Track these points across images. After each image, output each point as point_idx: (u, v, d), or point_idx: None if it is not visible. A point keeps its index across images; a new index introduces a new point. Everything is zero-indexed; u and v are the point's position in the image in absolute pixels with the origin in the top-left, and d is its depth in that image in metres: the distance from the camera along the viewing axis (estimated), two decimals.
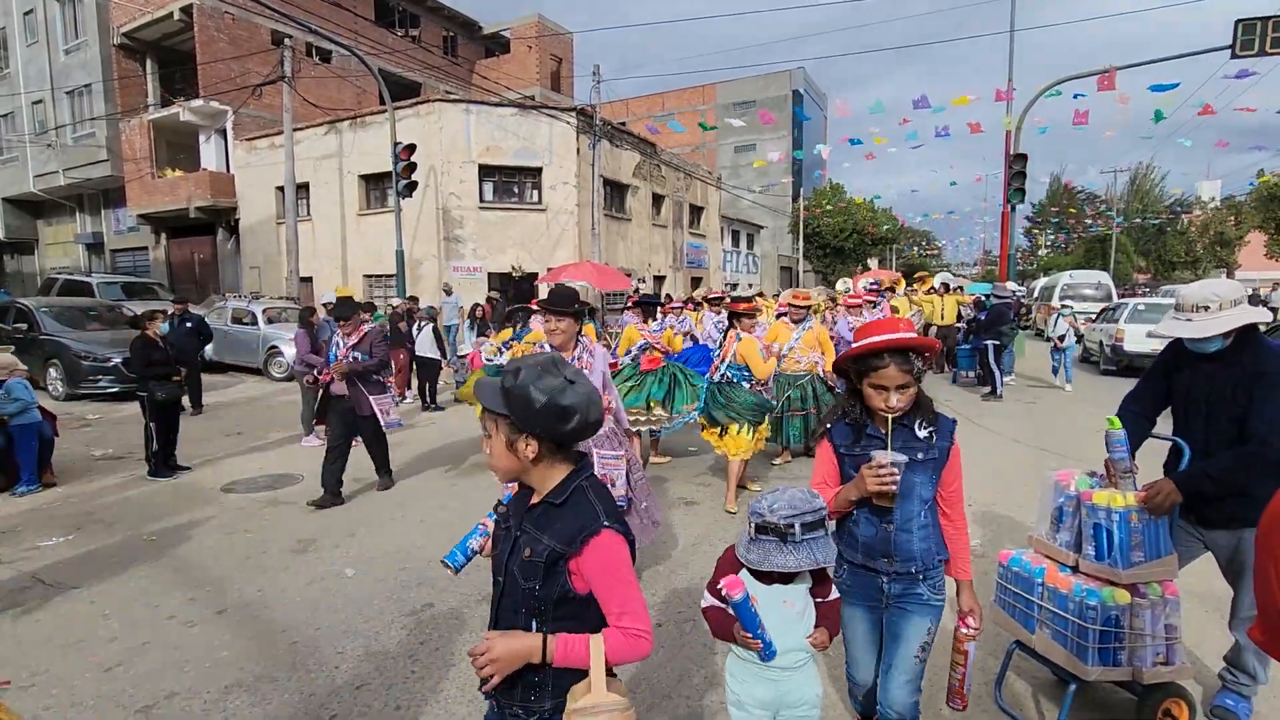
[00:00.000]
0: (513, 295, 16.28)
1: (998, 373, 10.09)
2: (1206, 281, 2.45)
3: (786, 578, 1.68)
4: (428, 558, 4.18)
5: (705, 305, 10.12)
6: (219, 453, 7.05)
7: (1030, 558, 2.57)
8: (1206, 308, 2.33)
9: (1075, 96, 15.23)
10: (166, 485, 5.93)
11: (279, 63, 15.38)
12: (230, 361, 13.02)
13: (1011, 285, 14.42)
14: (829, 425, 1.99)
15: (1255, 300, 16.09)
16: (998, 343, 10.11)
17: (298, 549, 4.42)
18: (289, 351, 11.41)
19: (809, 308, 6.47)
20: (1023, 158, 15.78)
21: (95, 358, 9.91)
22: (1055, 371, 11.44)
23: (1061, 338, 11.03)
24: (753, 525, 1.66)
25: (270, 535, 4.67)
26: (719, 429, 5.11)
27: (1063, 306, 11.31)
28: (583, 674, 1.28)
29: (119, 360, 9.47)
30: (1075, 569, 2.42)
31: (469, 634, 3.25)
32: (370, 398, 5.44)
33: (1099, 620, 2.26)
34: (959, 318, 12.64)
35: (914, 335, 1.85)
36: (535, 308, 6.67)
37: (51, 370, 10.22)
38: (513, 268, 17.34)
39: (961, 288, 14.53)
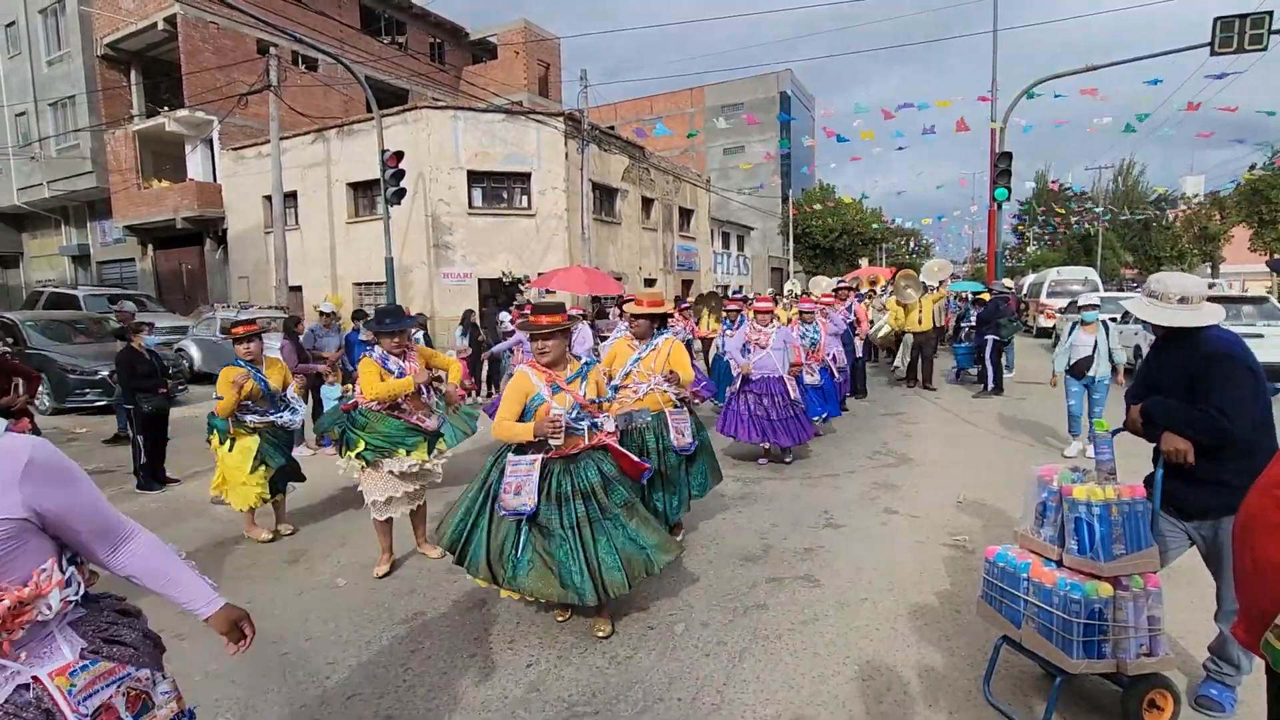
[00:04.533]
0: (503, 301, 16.27)
1: (991, 369, 10.10)
2: (1181, 276, 2.55)
3: None
4: (419, 567, 4.17)
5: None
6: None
7: (1016, 553, 2.60)
8: (1187, 300, 2.50)
9: (1055, 97, 15.42)
10: (155, 498, 5.90)
11: (265, 71, 15.33)
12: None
13: (1007, 282, 14.51)
14: None
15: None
16: (997, 338, 10.13)
17: (288, 559, 4.40)
18: None
19: (657, 318, 4.40)
20: (1007, 156, 15.94)
21: (82, 371, 9.83)
22: (1075, 422, 6.59)
23: (1082, 364, 6.36)
24: None
25: (260, 547, 4.65)
26: None
27: (1081, 309, 6.66)
28: None
29: (106, 373, 9.40)
30: (1059, 563, 2.45)
31: (461, 642, 3.24)
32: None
33: (1083, 613, 2.28)
34: (936, 324, 11.18)
35: None
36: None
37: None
38: (503, 273, 17.32)
39: (941, 284, 13.56)
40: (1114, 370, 6.52)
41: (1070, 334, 6.60)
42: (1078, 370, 6.44)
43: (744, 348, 6.36)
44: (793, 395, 6.26)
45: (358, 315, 10.16)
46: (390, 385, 4.03)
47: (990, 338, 10.11)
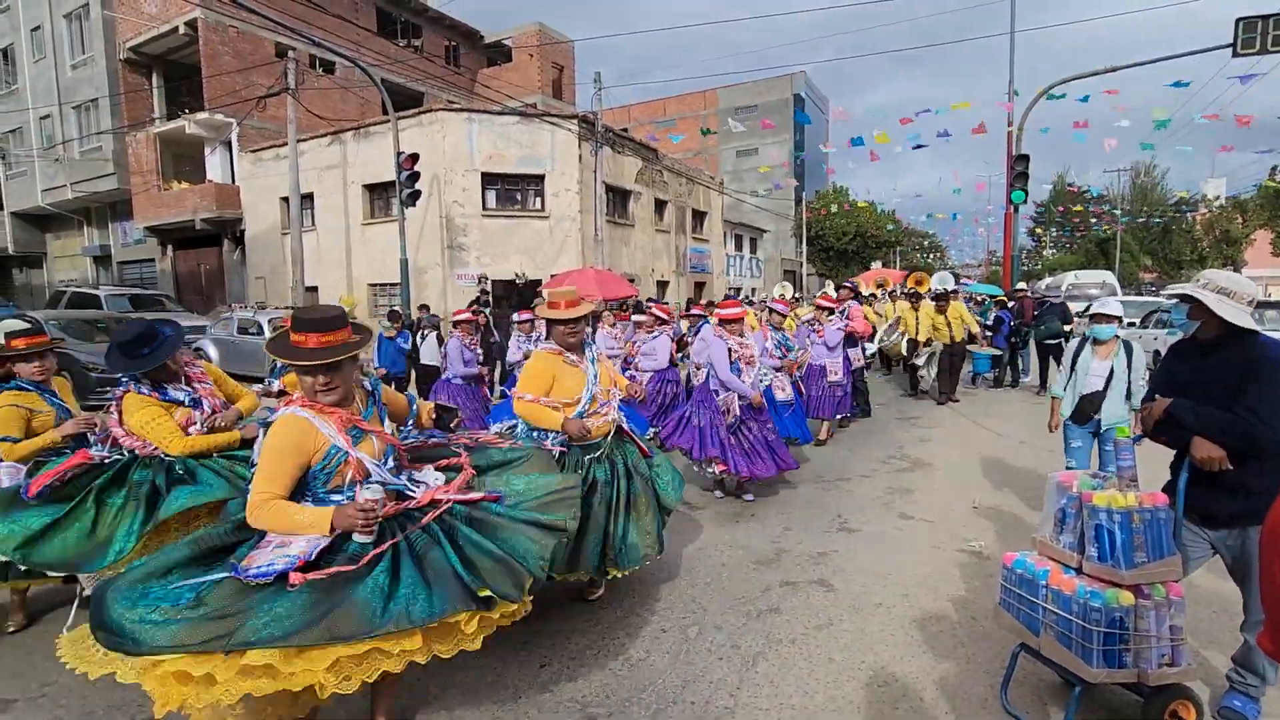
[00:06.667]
0: (516, 302, 16.32)
1: (1039, 367, 10.50)
2: (1243, 277, 2.52)
3: None
4: None
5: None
6: None
7: (1034, 560, 2.57)
8: (1253, 301, 2.44)
9: (1080, 100, 15.17)
10: None
11: (283, 74, 15.50)
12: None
13: (1021, 285, 14.38)
14: None
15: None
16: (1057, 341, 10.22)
17: None
18: None
19: (566, 323, 3.37)
20: (1025, 158, 15.79)
21: (103, 369, 10.02)
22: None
23: (1088, 404, 4.29)
24: None
25: None
26: None
27: (1092, 319, 4.48)
28: None
29: None
30: (1079, 571, 2.42)
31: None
32: None
33: (1103, 622, 2.25)
34: (968, 334, 9.81)
35: None
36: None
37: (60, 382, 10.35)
38: (516, 275, 17.40)
39: (957, 291, 11.77)
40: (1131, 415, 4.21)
41: (1076, 356, 4.44)
42: (1081, 413, 4.32)
43: (733, 368, 5.11)
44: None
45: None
46: (214, 439, 3.14)
47: (1051, 342, 10.21)
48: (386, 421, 2.44)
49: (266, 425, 2.21)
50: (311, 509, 2.17)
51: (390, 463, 2.38)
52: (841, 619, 3.43)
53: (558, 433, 3.32)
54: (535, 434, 3.39)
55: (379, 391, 2.49)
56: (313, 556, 2.08)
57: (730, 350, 5.11)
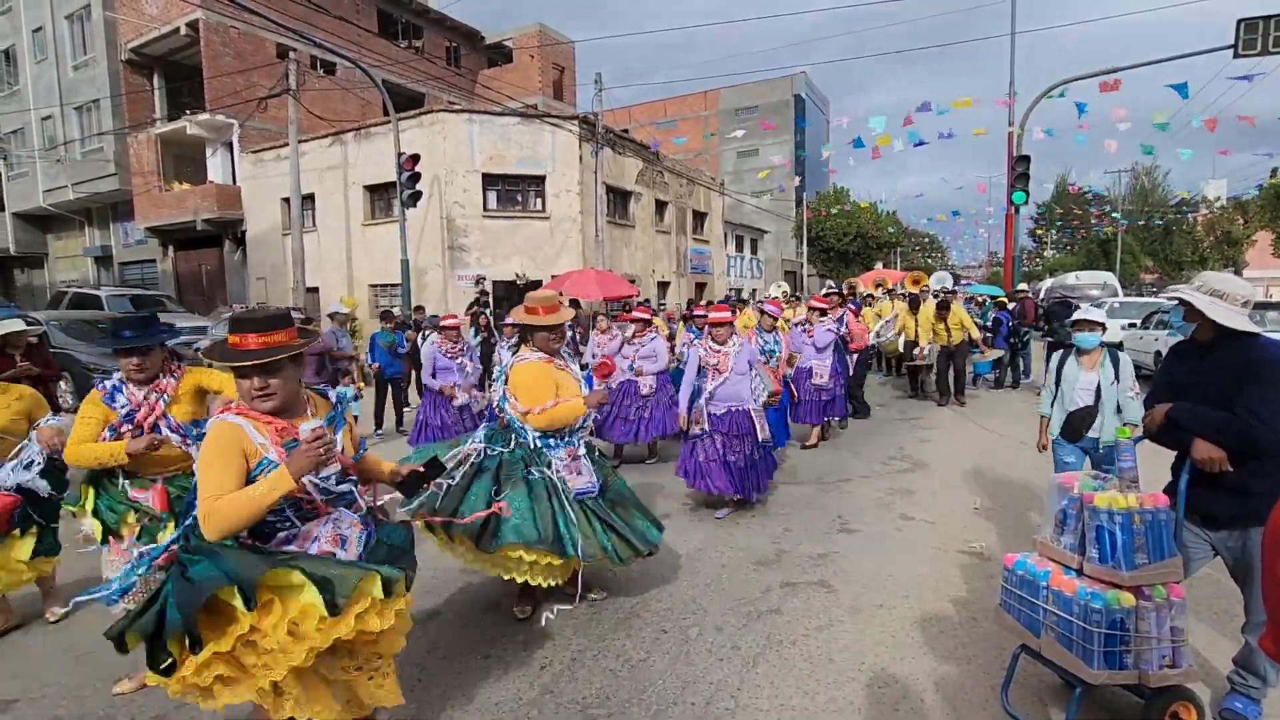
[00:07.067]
0: (517, 304, 16.29)
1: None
2: (1239, 279, 2.51)
3: None
4: (434, 566, 4.18)
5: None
6: None
7: (1035, 561, 2.57)
8: (1248, 303, 2.44)
9: (1079, 109, 15.12)
10: None
11: (284, 75, 15.52)
12: None
13: (1022, 286, 14.39)
14: None
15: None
16: (1018, 341, 10.10)
17: None
18: None
19: (559, 327, 3.51)
20: (1026, 159, 15.81)
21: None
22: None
23: (1079, 420, 3.80)
24: None
25: None
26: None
27: (1074, 328, 4.07)
28: None
29: None
30: (1080, 572, 2.42)
31: (476, 642, 3.26)
32: None
33: (1103, 623, 2.25)
34: (967, 337, 9.56)
35: None
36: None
37: (62, 384, 10.35)
38: (517, 276, 17.41)
39: (955, 293, 11.53)
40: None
41: (1059, 369, 4.07)
42: (1070, 429, 3.85)
43: (700, 373, 4.96)
44: (762, 435, 4.97)
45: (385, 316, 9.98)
46: (95, 450, 2.87)
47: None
48: (342, 436, 2.18)
49: (200, 436, 2.08)
50: (262, 481, 1.93)
51: (334, 479, 2.12)
52: (842, 620, 3.43)
53: (576, 432, 3.49)
54: (544, 443, 3.41)
55: (342, 407, 2.29)
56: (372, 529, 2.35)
57: (700, 357, 5.00)
